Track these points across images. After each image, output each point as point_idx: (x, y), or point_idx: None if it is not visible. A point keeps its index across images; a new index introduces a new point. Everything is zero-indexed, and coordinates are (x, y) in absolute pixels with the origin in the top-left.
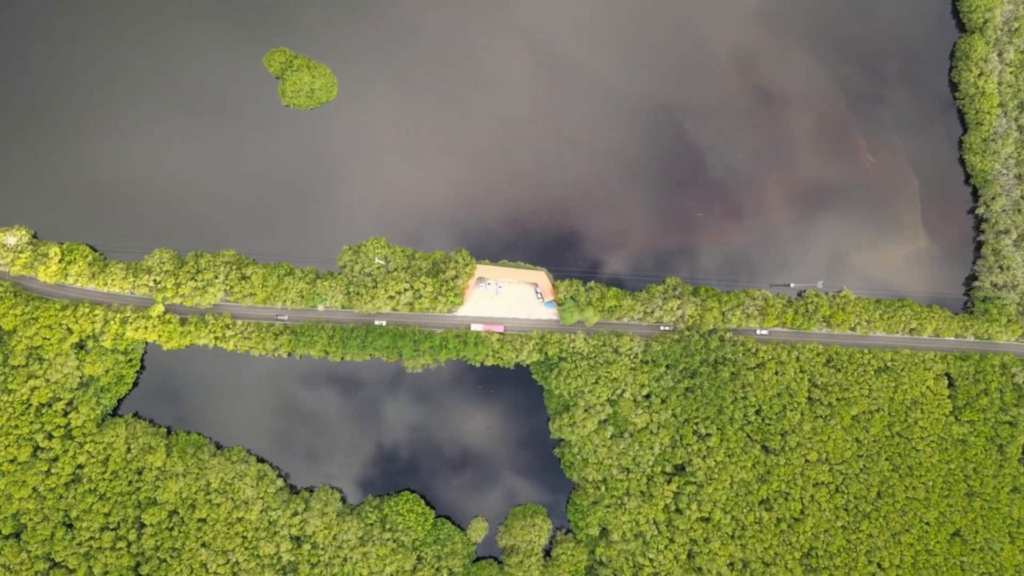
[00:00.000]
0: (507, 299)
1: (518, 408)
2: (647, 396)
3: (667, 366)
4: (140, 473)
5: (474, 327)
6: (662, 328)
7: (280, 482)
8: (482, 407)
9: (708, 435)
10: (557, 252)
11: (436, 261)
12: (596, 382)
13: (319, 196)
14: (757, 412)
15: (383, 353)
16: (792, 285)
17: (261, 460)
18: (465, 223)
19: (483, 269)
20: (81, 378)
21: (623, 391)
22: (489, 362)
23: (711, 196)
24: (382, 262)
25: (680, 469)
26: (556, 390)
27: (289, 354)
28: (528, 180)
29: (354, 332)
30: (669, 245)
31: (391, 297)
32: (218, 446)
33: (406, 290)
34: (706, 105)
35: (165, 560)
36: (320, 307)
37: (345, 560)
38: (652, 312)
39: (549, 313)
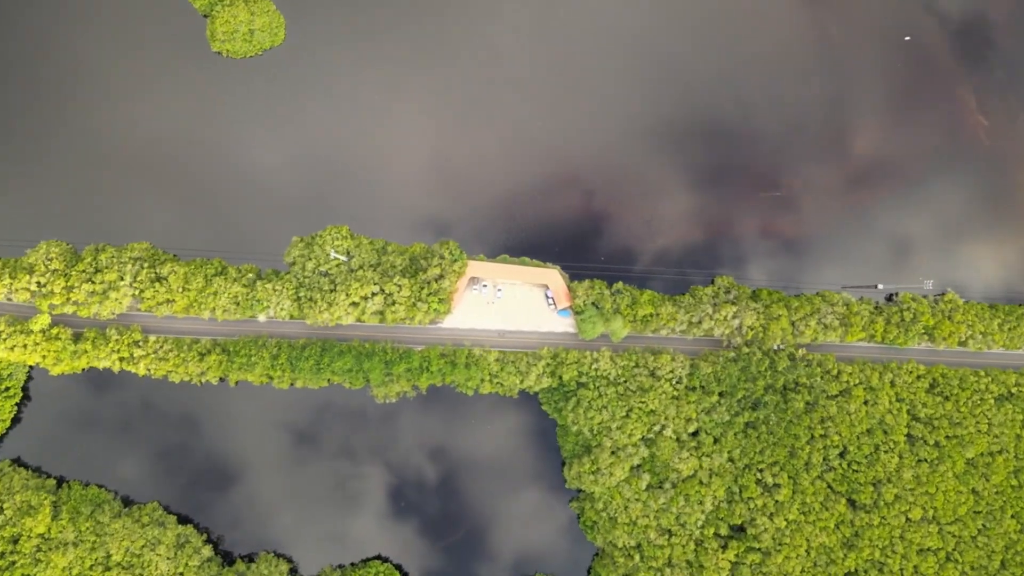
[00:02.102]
0: (508, 306)
1: (523, 449)
2: (695, 434)
3: (721, 394)
4: (16, 542)
5: None
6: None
7: (207, 550)
8: (476, 447)
9: (776, 486)
10: (573, 245)
11: (415, 256)
12: (627, 415)
13: (261, 171)
14: (841, 455)
15: (345, 378)
16: (880, 286)
17: (183, 520)
18: (453, 207)
19: (477, 267)
20: None
21: (663, 427)
22: (486, 389)
23: (770, 171)
24: (343, 258)
25: (740, 531)
26: (574, 426)
27: (221, 380)
28: (535, 151)
29: (306, 351)
30: (718, 235)
31: (355, 304)
32: (125, 503)
33: (375, 294)
34: (761, 53)
35: None
36: (261, 317)
37: None
38: (699, 322)
39: (564, 324)
